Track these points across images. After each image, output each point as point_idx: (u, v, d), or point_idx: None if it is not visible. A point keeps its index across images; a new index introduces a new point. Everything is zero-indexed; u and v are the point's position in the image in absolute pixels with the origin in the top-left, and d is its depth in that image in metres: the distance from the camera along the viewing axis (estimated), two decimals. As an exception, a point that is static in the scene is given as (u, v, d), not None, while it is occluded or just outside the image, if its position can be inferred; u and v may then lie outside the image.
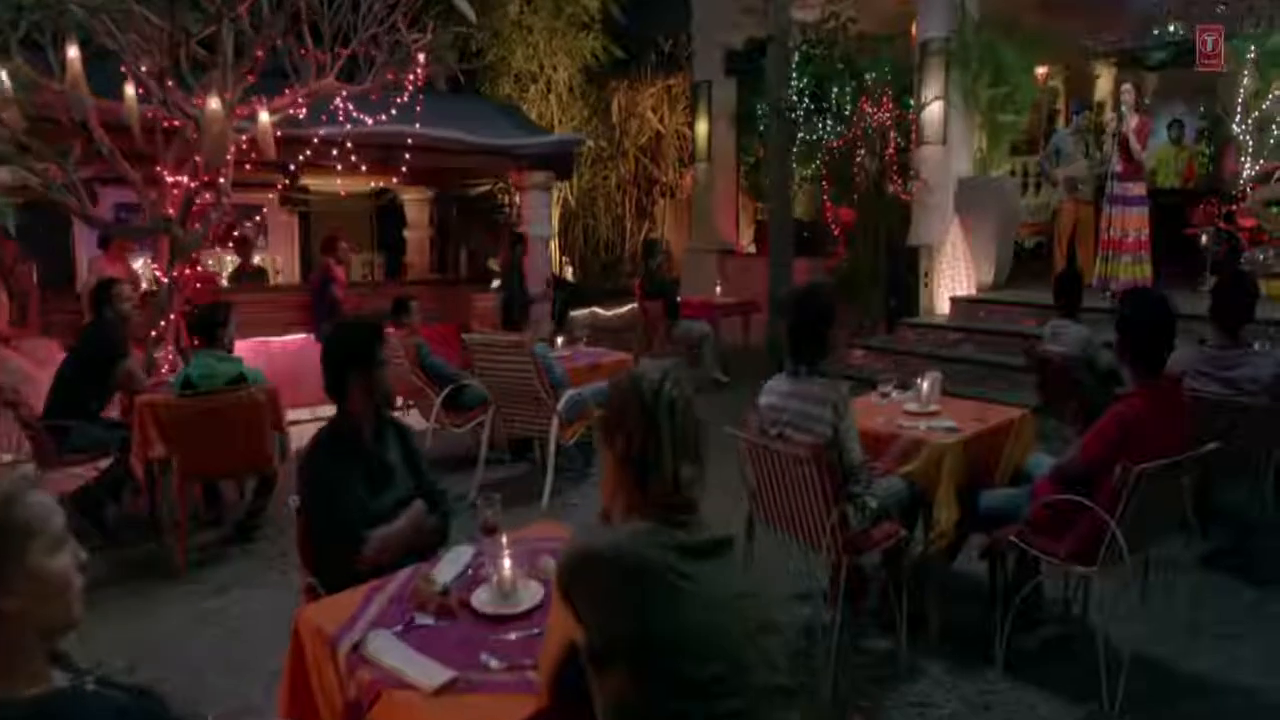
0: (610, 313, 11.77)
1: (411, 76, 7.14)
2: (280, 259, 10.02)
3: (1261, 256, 7.10)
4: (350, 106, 6.30)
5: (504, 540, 2.07)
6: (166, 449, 4.08)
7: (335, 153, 6.03)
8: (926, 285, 8.18)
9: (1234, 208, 8.08)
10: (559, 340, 6.30)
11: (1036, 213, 9.76)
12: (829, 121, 9.25)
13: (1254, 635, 3.30)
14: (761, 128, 10.11)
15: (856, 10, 9.93)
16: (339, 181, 10.05)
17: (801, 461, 2.84)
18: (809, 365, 2.95)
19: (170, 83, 5.07)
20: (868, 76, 9.01)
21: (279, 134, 5.39)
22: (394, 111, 6.21)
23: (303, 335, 7.68)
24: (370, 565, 2.27)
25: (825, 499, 2.84)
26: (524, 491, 4.99)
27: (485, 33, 11.56)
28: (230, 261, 8.73)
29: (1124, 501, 2.67)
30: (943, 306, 8.02)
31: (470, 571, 2.17)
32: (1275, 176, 7.20)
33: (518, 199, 12.43)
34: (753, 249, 11.14)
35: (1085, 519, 2.78)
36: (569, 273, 13.44)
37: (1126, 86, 7.12)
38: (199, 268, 7.29)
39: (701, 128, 10.98)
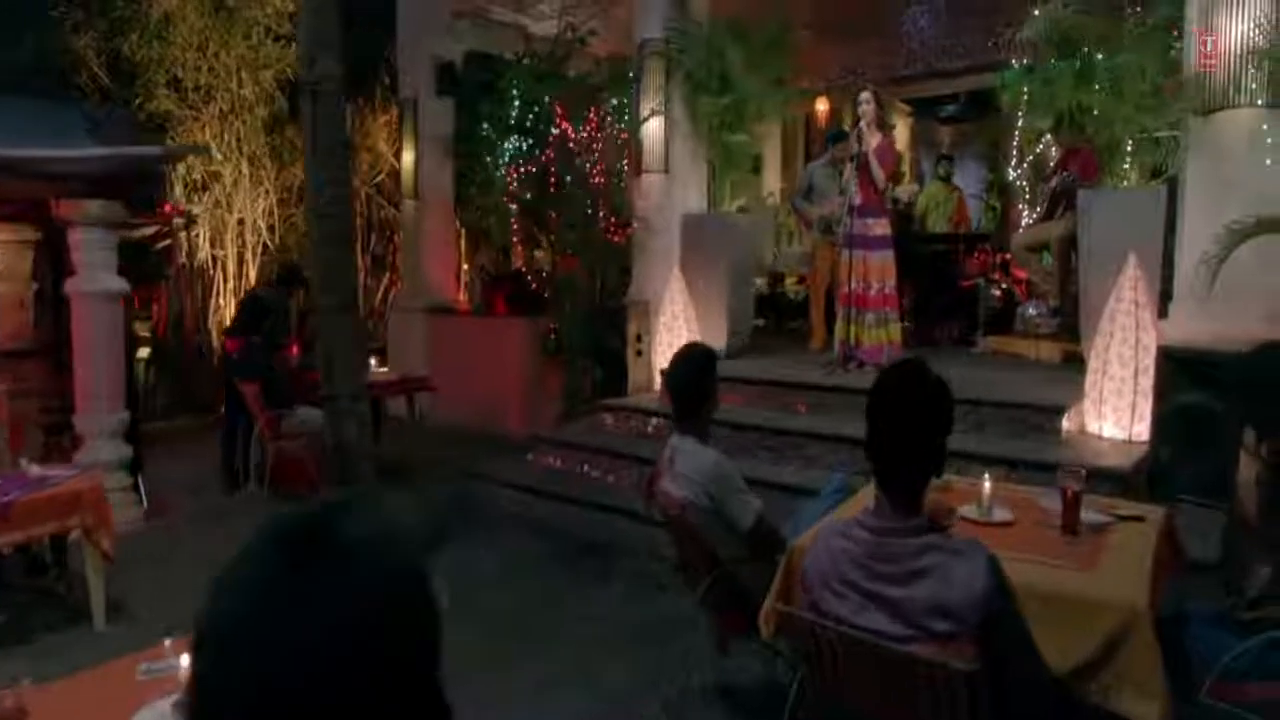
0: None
1: None
2: None
3: (1033, 312, 5.53)
4: None
5: None
6: None
7: None
8: (640, 354, 6.20)
9: (1008, 256, 6.66)
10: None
11: (804, 261, 8.17)
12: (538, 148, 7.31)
13: None
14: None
15: (600, 25, 8.27)
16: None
17: None
18: None
19: None
20: (606, 97, 7.24)
21: None
22: None
23: None
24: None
25: None
26: None
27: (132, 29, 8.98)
28: None
29: None
30: (659, 381, 6.04)
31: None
32: (1035, 219, 5.73)
33: (196, 238, 9.84)
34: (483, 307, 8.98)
35: None
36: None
37: (864, 96, 5.46)
38: None
39: (408, 157, 8.78)
